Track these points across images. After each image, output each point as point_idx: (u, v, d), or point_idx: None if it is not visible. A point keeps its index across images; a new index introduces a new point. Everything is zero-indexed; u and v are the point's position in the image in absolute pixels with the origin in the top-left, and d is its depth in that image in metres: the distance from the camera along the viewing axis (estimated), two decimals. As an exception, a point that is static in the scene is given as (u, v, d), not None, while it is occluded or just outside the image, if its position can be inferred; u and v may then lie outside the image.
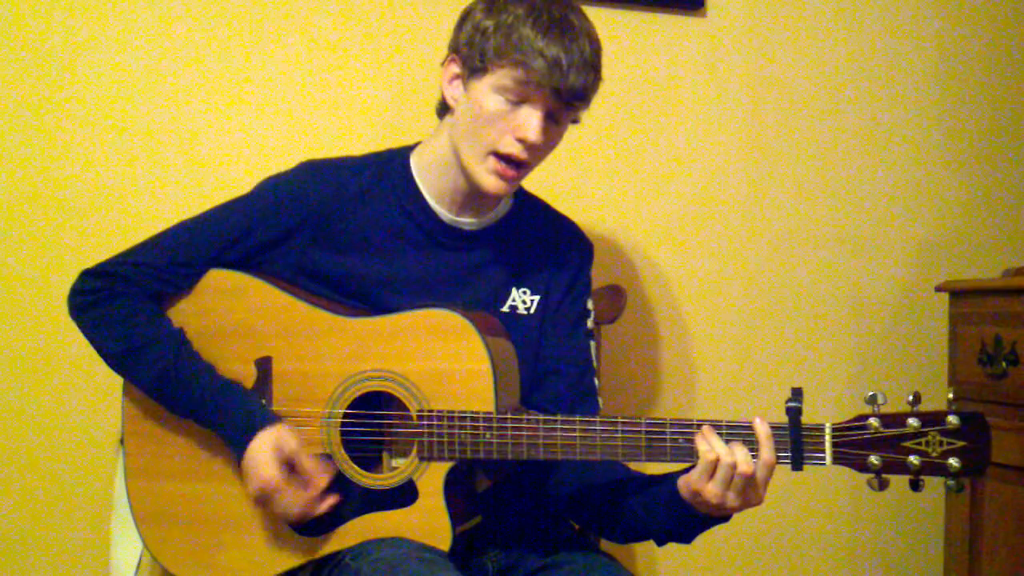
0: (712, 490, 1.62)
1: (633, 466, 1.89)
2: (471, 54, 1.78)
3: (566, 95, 1.75)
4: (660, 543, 1.85)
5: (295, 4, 2.38)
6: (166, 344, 1.80)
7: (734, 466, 1.60)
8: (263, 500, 1.73)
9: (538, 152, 1.81)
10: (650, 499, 1.77)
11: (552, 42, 1.72)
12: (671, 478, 1.71)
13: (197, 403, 1.78)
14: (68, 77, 2.28)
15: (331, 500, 1.74)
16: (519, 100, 1.76)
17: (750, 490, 1.62)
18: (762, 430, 1.62)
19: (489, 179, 1.79)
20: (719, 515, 1.68)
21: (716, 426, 1.64)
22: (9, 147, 2.26)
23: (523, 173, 1.83)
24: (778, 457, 1.62)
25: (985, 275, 2.69)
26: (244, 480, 1.74)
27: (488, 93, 1.77)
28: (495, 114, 1.76)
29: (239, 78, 2.36)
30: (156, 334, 1.81)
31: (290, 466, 1.72)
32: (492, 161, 1.78)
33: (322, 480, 1.73)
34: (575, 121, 1.86)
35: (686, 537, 1.78)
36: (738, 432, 1.64)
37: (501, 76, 1.75)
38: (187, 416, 1.80)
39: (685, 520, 1.72)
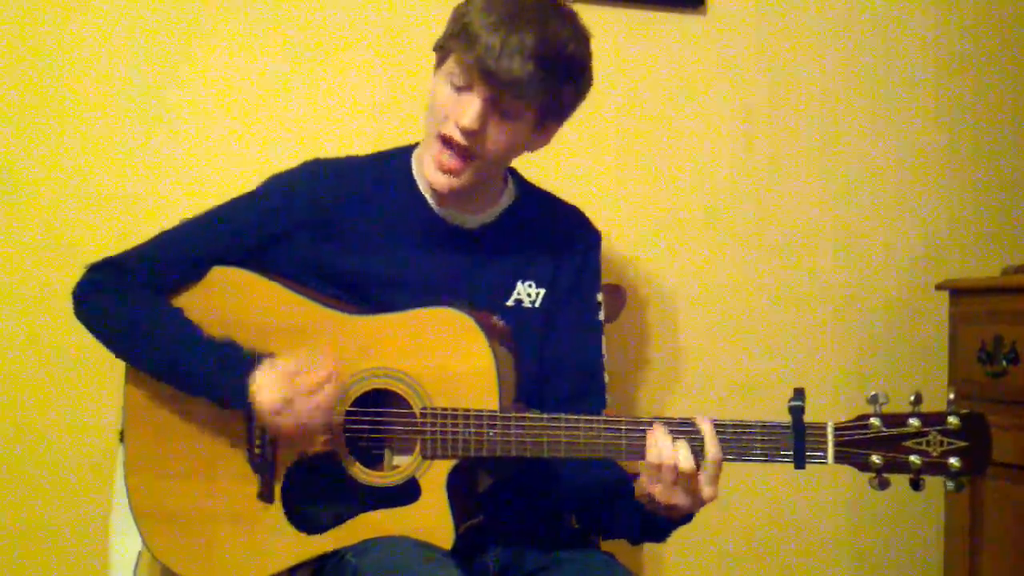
0: (658, 491, 1.64)
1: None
2: (439, 45, 1.81)
3: (498, 82, 1.72)
4: (633, 543, 1.89)
5: (295, 5, 2.38)
6: (166, 320, 1.80)
7: (675, 467, 1.62)
8: (287, 425, 1.71)
9: (482, 143, 1.78)
10: (617, 499, 1.80)
11: (493, 29, 1.70)
12: (633, 482, 1.74)
13: (200, 370, 1.76)
14: (70, 77, 2.28)
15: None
16: (463, 86, 1.75)
17: (695, 488, 1.64)
18: (706, 429, 1.64)
19: (431, 170, 1.80)
20: (676, 515, 1.69)
21: (668, 423, 1.65)
22: (10, 147, 2.26)
23: (468, 167, 1.80)
24: (781, 455, 1.63)
25: (985, 274, 2.69)
26: (265, 423, 1.73)
27: (441, 80, 1.78)
28: (443, 99, 1.77)
29: (240, 77, 2.37)
30: (156, 313, 1.81)
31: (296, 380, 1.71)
32: (437, 147, 1.78)
33: (328, 363, 1.72)
34: (544, 120, 1.83)
35: (657, 536, 1.82)
36: (686, 430, 1.64)
37: (450, 62, 1.76)
38: (193, 388, 1.79)
39: (648, 521, 1.75)
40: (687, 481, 1.62)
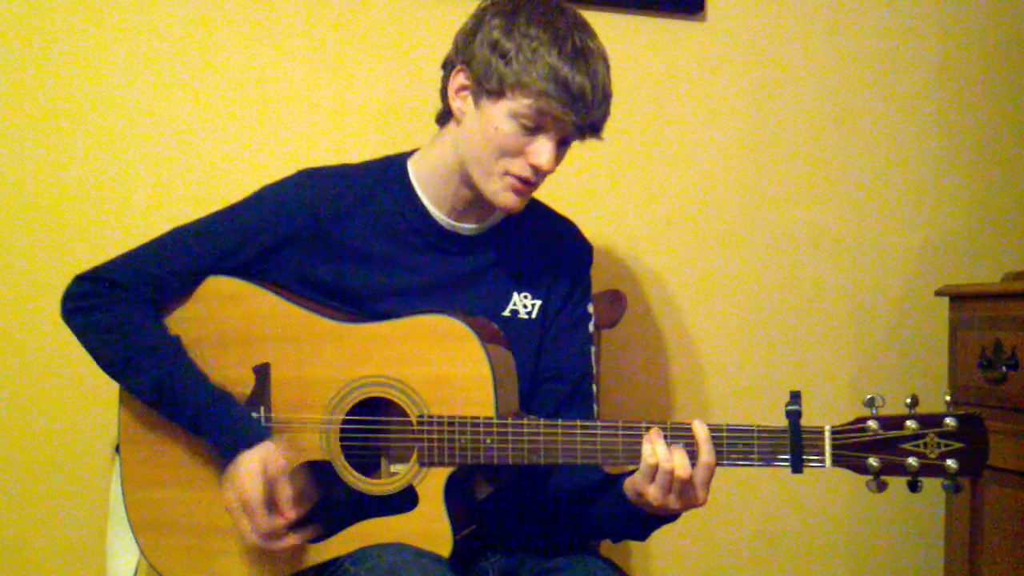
0: (653, 492, 1.64)
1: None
2: (487, 74, 1.75)
3: (585, 127, 1.76)
4: (615, 540, 1.90)
5: (294, 10, 2.39)
6: (161, 352, 1.80)
7: (671, 472, 1.62)
8: (235, 512, 1.73)
9: (545, 175, 1.82)
10: (602, 498, 1.80)
11: (577, 73, 1.71)
12: (620, 479, 1.74)
13: (191, 412, 1.77)
14: (69, 81, 2.28)
15: (292, 540, 1.73)
16: (535, 128, 1.75)
17: (689, 492, 1.65)
18: (701, 433, 1.64)
19: (506, 196, 1.80)
20: (665, 515, 1.70)
21: (663, 428, 1.66)
22: (10, 150, 2.26)
23: (533, 189, 1.84)
24: (779, 460, 1.63)
25: (985, 279, 2.68)
26: (224, 487, 1.74)
27: (503, 117, 1.75)
28: (509, 139, 1.76)
29: (238, 83, 2.36)
30: (151, 342, 1.81)
31: (271, 489, 1.71)
32: (508, 179, 1.78)
33: (290, 514, 1.72)
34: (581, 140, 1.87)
35: (639, 535, 1.83)
36: (681, 435, 1.65)
37: (520, 104, 1.73)
38: (180, 424, 1.80)
39: (634, 519, 1.75)
40: (682, 485, 1.63)
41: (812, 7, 2.68)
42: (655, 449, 1.64)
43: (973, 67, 2.78)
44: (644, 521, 1.75)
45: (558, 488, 1.89)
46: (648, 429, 1.66)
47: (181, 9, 2.33)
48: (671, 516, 1.72)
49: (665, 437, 1.65)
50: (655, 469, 1.63)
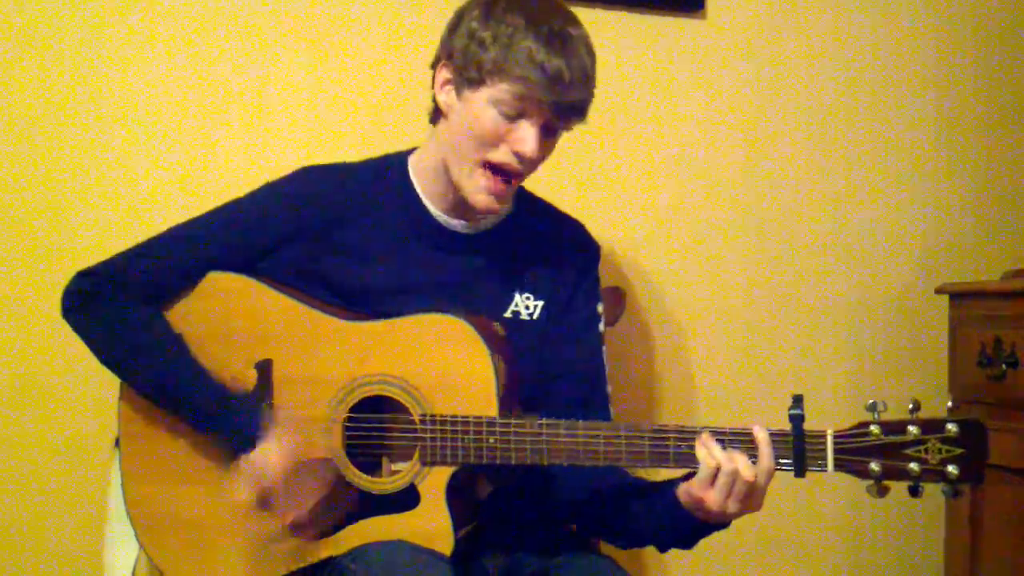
0: (713, 497, 1.63)
1: (641, 472, 1.90)
2: (466, 63, 1.76)
3: (565, 109, 1.74)
4: (662, 550, 1.85)
5: (291, 8, 2.39)
6: (163, 349, 1.80)
7: (735, 473, 1.61)
8: (266, 497, 1.72)
9: (531, 165, 1.80)
10: (651, 506, 1.78)
11: (553, 55, 1.70)
12: (671, 485, 1.72)
13: (195, 408, 1.77)
14: (68, 79, 2.28)
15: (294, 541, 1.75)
16: (516, 114, 1.74)
17: (750, 497, 1.63)
18: (762, 437, 1.63)
19: (479, 196, 1.79)
20: (719, 521, 1.69)
21: (717, 433, 1.65)
22: (9, 148, 2.26)
23: (514, 186, 1.82)
24: (781, 464, 1.64)
25: (985, 277, 2.69)
26: (243, 477, 1.73)
27: (484, 106, 1.75)
28: (491, 127, 1.75)
29: (237, 80, 2.36)
30: (153, 338, 1.80)
31: (282, 486, 1.72)
32: (484, 175, 1.77)
33: (293, 512, 1.74)
34: (567, 129, 1.84)
35: (687, 543, 1.79)
36: (738, 439, 1.65)
37: (499, 90, 1.73)
38: (184, 419, 1.80)
39: (686, 527, 1.73)
40: (745, 487, 1.62)
41: (812, 6, 2.68)
42: (712, 452, 1.63)
43: (973, 65, 2.78)
44: (696, 529, 1.73)
45: (580, 491, 1.87)
46: (699, 433, 1.65)
47: (178, 10, 2.33)
48: (724, 523, 1.71)
49: (721, 442, 1.64)
50: (715, 472, 1.62)
